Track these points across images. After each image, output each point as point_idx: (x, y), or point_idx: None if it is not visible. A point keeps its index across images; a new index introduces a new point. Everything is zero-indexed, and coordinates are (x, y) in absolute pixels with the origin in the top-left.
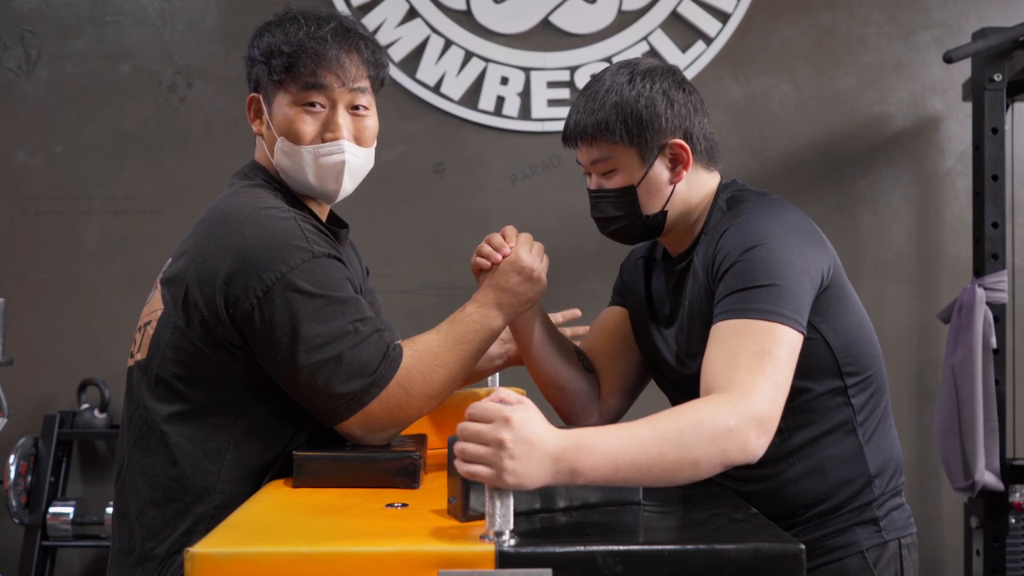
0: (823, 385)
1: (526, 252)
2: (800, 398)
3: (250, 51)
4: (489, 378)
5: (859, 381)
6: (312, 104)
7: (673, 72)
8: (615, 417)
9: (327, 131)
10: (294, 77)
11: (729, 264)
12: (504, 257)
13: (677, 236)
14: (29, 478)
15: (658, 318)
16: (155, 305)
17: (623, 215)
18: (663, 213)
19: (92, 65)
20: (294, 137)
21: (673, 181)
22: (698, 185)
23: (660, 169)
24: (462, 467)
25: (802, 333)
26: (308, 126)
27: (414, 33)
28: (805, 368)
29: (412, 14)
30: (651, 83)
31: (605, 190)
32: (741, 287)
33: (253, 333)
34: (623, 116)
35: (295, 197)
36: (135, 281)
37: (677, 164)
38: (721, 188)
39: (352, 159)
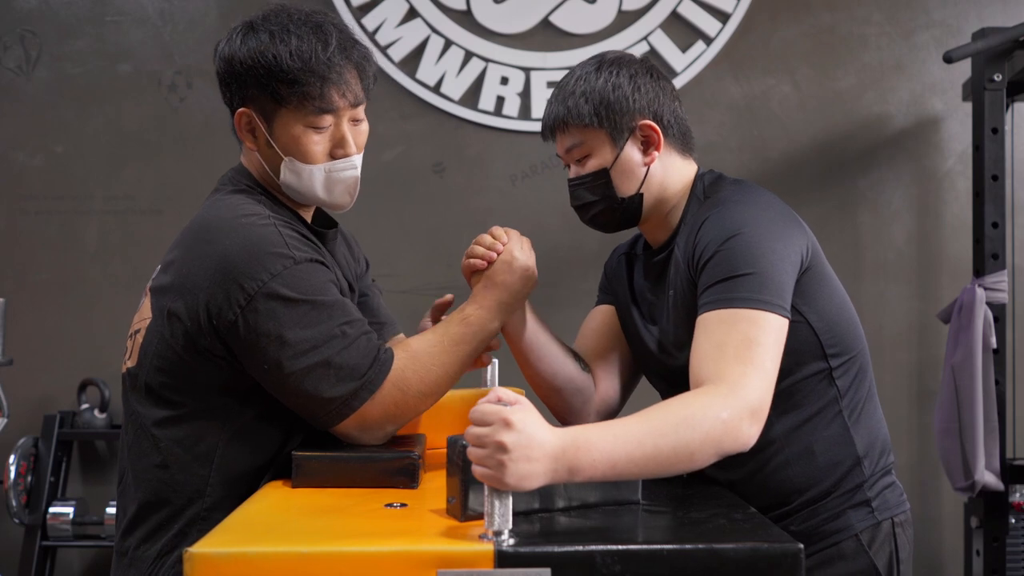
0: (808, 368)
1: (519, 250)
2: (785, 381)
3: (233, 54)
4: (488, 378)
5: (843, 362)
6: (321, 128)
7: (642, 60)
8: (611, 414)
9: (337, 148)
10: (304, 102)
11: (710, 254)
12: (498, 255)
13: (656, 224)
14: (29, 478)
15: (643, 311)
16: (144, 313)
17: (599, 199)
18: (639, 195)
19: (92, 65)
20: (304, 157)
21: (646, 163)
22: (674, 171)
23: (632, 151)
24: (475, 470)
25: (787, 318)
26: (318, 146)
27: (414, 33)
28: (789, 351)
29: (412, 14)
30: (618, 69)
31: (581, 176)
32: (723, 277)
33: (238, 342)
34: (592, 100)
35: (279, 202)
36: (135, 281)
37: (649, 145)
38: (698, 178)
39: (359, 171)
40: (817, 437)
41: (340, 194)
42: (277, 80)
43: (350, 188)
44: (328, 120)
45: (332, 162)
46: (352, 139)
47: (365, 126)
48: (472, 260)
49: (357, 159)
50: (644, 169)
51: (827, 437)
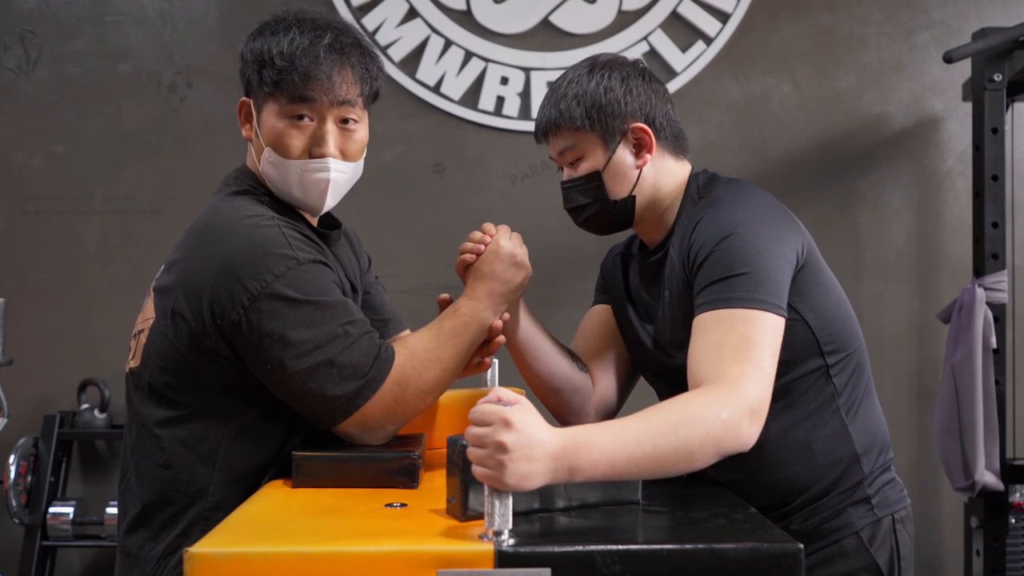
0: (805, 365)
1: (505, 239)
2: (782, 379)
3: (243, 51)
4: (488, 378)
5: (840, 359)
6: (300, 117)
7: (634, 63)
8: (610, 414)
9: (315, 146)
10: (282, 90)
11: (706, 254)
12: (485, 247)
13: (650, 225)
14: (29, 478)
15: (639, 311)
16: (148, 313)
17: (591, 202)
18: (631, 198)
19: (92, 65)
20: (282, 150)
21: (638, 165)
22: (667, 172)
23: (624, 154)
24: (475, 471)
25: (783, 317)
26: (296, 140)
27: (414, 33)
28: (786, 349)
29: (412, 14)
30: (610, 72)
31: (573, 179)
32: (719, 277)
33: (242, 342)
34: (584, 104)
35: (282, 202)
36: (135, 281)
37: (641, 148)
38: (692, 177)
39: (337, 176)
40: (815, 435)
41: (314, 196)
42: (265, 69)
43: (323, 191)
44: (307, 113)
45: (307, 160)
46: (333, 141)
47: (360, 134)
48: (463, 256)
49: (335, 163)
50: (636, 172)
51: (825, 435)
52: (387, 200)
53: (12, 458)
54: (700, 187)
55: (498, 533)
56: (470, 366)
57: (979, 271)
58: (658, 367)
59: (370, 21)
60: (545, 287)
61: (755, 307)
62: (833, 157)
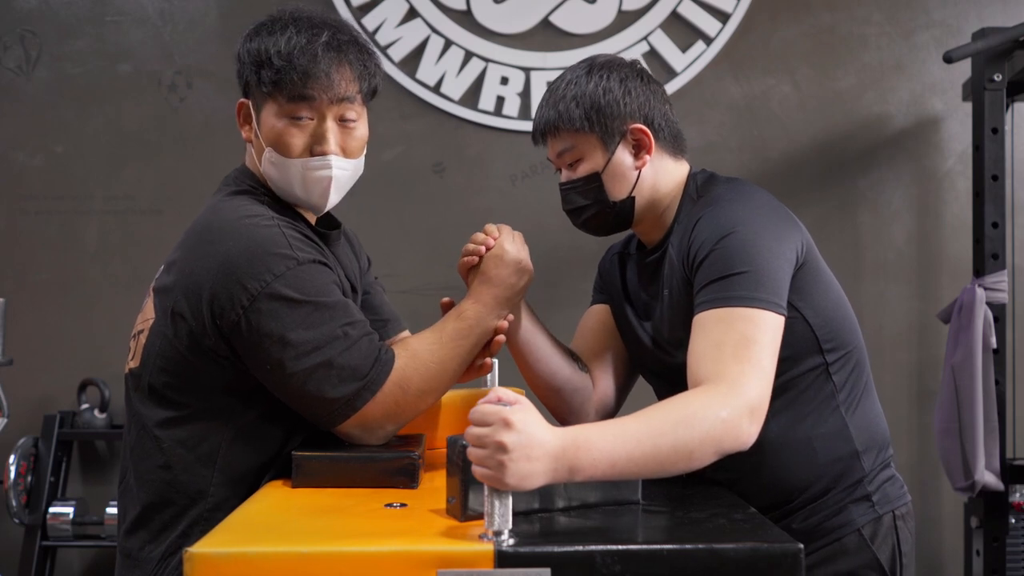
0: (805, 363)
1: (509, 243)
2: (782, 377)
3: (240, 51)
4: (488, 378)
5: (840, 357)
6: (300, 115)
7: (632, 64)
8: (609, 413)
9: (316, 144)
10: (281, 90)
11: (705, 253)
12: (488, 250)
13: (649, 225)
14: (29, 478)
15: (637, 310)
16: (148, 314)
17: (591, 203)
18: (631, 199)
19: (92, 65)
20: (283, 149)
21: (638, 166)
22: (665, 173)
23: (623, 155)
24: (475, 471)
25: (783, 315)
26: (296, 139)
27: (414, 33)
28: (786, 346)
29: (412, 14)
30: (608, 73)
31: (572, 180)
32: (719, 276)
33: (242, 343)
34: (582, 105)
35: (282, 202)
36: (135, 281)
37: (640, 149)
38: (690, 177)
39: (339, 173)
40: (815, 433)
41: (316, 194)
42: (263, 70)
43: (325, 189)
44: (306, 113)
45: (308, 159)
46: (334, 138)
47: (360, 131)
48: (466, 258)
49: (336, 160)
50: (635, 173)
51: (825, 433)
52: (387, 200)
53: (12, 458)
54: (699, 186)
55: (498, 533)
56: (471, 369)
57: (979, 271)
58: (657, 366)
59: (370, 21)
60: (545, 287)
61: (755, 306)
62: (833, 157)
